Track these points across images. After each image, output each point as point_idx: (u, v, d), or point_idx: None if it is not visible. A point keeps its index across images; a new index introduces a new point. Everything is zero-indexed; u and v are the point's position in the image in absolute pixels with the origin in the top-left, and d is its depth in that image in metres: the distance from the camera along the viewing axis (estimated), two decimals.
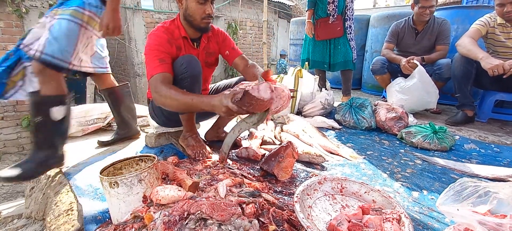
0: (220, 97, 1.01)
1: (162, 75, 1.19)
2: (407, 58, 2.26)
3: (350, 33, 2.58)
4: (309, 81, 2.39)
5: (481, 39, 2.08)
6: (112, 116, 1.98)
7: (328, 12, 2.51)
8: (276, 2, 8.38)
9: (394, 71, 2.46)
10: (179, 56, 1.28)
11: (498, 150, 1.66)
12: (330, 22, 2.52)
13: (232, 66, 1.50)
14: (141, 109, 2.16)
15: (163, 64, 1.21)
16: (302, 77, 2.23)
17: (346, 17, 2.54)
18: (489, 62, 1.79)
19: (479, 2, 3.75)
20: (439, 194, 1.04)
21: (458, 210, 0.85)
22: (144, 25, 5.73)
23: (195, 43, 1.39)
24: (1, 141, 4.08)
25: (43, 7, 4.01)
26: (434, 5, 2.26)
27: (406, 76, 2.29)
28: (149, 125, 1.88)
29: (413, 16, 2.40)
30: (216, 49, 1.49)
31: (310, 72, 2.55)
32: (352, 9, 2.57)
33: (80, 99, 5.50)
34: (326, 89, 2.78)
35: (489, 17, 2.01)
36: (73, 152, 1.58)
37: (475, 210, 0.78)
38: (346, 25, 2.55)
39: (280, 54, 8.48)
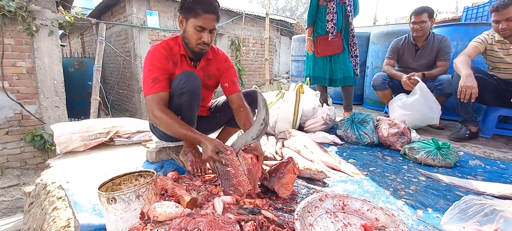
0: (207, 145, 1.10)
1: (157, 96, 1.22)
2: (408, 75, 2.26)
3: (352, 50, 2.61)
4: (310, 97, 2.40)
5: (481, 55, 2.09)
6: (114, 131, 1.99)
7: (327, 29, 2.56)
8: (278, 20, 8.61)
9: (395, 87, 2.46)
10: (177, 72, 1.30)
11: (504, 166, 1.62)
12: (329, 40, 2.56)
13: (227, 100, 1.47)
14: (144, 125, 2.17)
15: (158, 83, 1.23)
16: (303, 92, 2.25)
17: (347, 34, 2.58)
18: (461, 83, 1.82)
19: (477, 20, 3.81)
20: (444, 212, 1.01)
21: (464, 228, 0.82)
22: (150, 43, 5.89)
23: (193, 62, 1.40)
24: (4, 155, 4.10)
25: (53, 25, 4.15)
26: (425, 21, 2.29)
27: (408, 92, 2.29)
28: (151, 140, 1.89)
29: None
30: (217, 74, 1.48)
31: (312, 88, 2.57)
32: (352, 27, 2.62)
33: (84, 114, 5.55)
34: (327, 104, 2.79)
35: (487, 34, 2.03)
36: (75, 166, 1.58)
37: (481, 229, 0.75)
38: (350, 42, 2.59)
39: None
